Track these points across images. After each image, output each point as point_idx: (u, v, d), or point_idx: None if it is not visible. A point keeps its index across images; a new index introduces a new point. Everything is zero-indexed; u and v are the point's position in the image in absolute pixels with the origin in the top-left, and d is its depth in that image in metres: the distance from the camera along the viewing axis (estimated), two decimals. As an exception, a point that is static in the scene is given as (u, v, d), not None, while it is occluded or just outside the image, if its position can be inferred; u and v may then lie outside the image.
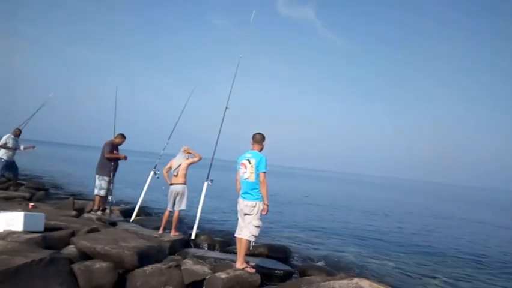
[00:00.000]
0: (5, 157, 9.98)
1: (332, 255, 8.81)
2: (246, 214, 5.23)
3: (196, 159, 7.35)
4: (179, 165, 7.20)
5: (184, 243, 7.01)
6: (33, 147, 10.92)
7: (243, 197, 5.26)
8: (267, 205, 5.15)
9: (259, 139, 5.39)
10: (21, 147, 10.34)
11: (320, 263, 7.52)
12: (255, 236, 5.22)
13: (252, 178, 5.16)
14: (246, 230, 5.20)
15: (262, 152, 5.40)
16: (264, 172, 5.12)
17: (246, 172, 5.21)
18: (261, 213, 5.18)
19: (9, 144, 9.99)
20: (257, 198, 5.16)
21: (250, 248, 5.39)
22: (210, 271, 5.10)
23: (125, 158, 8.54)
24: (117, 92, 9.69)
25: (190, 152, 7.39)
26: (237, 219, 5.41)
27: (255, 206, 5.16)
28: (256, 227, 5.17)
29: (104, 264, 4.74)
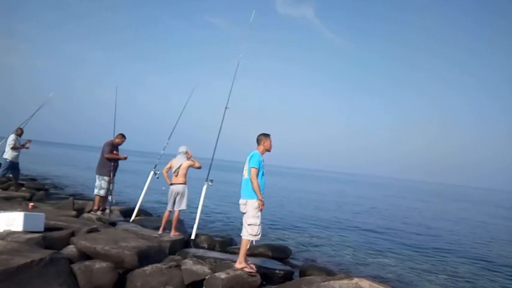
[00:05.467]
0: (10, 158, 10.03)
1: (332, 255, 8.82)
2: (243, 213, 5.29)
3: (196, 165, 7.35)
4: (180, 165, 7.20)
5: (184, 243, 7.01)
6: (29, 141, 10.89)
7: (241, 196, 5.33)
8: (262, 200, 5.15)
9: (259, 139, 5.45)
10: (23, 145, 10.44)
11: (319, 263, 7.52)
12: (253, 235, 5.17)
13: (246, 175, 5.24)
14: (244, 229, 5.23)
15: (270, 151, 5.47)
16: (254, 168, 5.14)
17: (244, 170, 5.31)
18: (257, 210, 5.16)
19: (12, 146, 10.10)
20: (247, 196, 5.19)
21: (247, 247, 5.33)
22: (210, 271, 5.10)
23: (125, 158, 8.54)
24: (117, 92, 9.72)
25: (191, 157, 7.37)
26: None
27: (245, 204, 5.21)
28: (250, 225, 5.15)
29: (104, 264, 4.74)
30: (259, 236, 5.25)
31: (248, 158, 5.27)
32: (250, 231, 5.16)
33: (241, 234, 5.30)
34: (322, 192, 33.75)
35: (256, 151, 5.34)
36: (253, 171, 5.13)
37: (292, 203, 20.08)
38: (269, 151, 5.47)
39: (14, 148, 10.12)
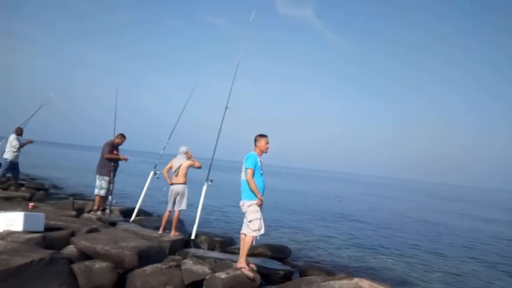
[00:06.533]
0: (10, 158, 10.02)
1: (332, 255, 8.82)
2: (244, 213, 5.31)
3: (196, 164, 7.36)
4: (180, 165, 7.20)
5: (184, 243, 7.01)
6: (31, 141, 10.86)
7: (241, 197, 5.36)
8: (261, 199, 5.18)
9: (254, 140, 5.46)
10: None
11: (319, 263, 7.52)
12: (257, 230, 5.16)
13: (243, 176, 5.27)
14: (247, 228, 5.24)
15: (266, 152, 5.47)
16: (250, 168, 5.16)
17: (242, 172, 5.33)
18: (255, 207, 5.16)
19: (18, 145, 10.09)
20: (245, 197, 5.23)
21: (250, 245, 5.32)
22: (210, 271, 5.09)
23: (125, 159, 8.50)
24: (117, 93, 9.70)
25: (191, 157, 7.36)
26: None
27: (242, 205, 5.27)
28: (251, 221, 5.17)
29: (104, 264, 4.74)
30: (263, 229, 5.23)
31: (244, 159, 5.30)
32: (252, 227, 5.17)
33: (243, 232, 5.30)
34: (322, 192, 33.76)
35: (253, 152, 5.38)
36: (249, 172, 5.15)
37: (292, 203, 20.08)
38: (265, 152, 5.45)
39: (20, 147, 10.13)
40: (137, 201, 8.80)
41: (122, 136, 8.61)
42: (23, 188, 11.40)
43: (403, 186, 76.60)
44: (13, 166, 10.22)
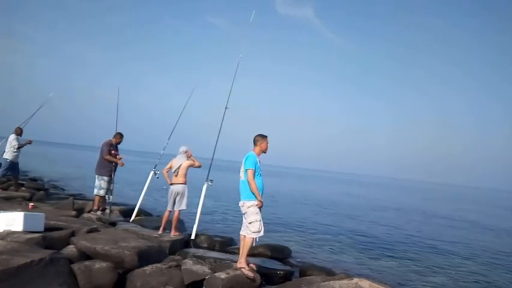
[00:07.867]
0: (10, 158, 10.01)
1: (332, 255, 8.82)
2: (244, 213, 5.30)
3: (196, 164, 7.36)
4: (180, 165, 7.20)
5: (184, 243, 7.01)
6: (30, 142, 10.83)
7: (240, 197, 5.35)
8: (261, 201, 5.17)
9: (255, 140, 5.45)
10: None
11: (319, 263, 7.52)
12: (256, 232, 5.16)
13: (243, 177, 5.26)
14: (247, 229, 5.24)
15: (266, 153, 5.48)
16: (250, 169, 5.15)
17: (240, 172, 5.32)
18: (255, 208, 5.15)
19: (17, 145, 10.09)
20: (245, 198, 5.21)
21: (250, 246, 5.34)
22: (209, 271, 5.09)
23: (122, 164, 8.43)
24: (119, 92, 9.65)
25: (190, 157, 7.37)
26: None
27: (242, 206, 5.26)
28: (251, 223, 5.17)
29: (104, 264, 4.74)
30: (263, 231, 5.23)
31: (244, 159, 5.29)
32: (252, 229, 5.17)
33: (243, 233, 5.29)
34: (322, 192, 33.76)
35: (252, 152, 5.36)
36: (250, 172, 5.14)
37: (292, 203, 20.07)
38: (265, 152, 5.48)
39: (19, 147, 10.12)
40: (137, 201, 8.80)
41: (121, 136, 8.60)
42: (23, 188, 11.39)
43: (403, 186, 76.60)
44: (13, 166, 10.23)
